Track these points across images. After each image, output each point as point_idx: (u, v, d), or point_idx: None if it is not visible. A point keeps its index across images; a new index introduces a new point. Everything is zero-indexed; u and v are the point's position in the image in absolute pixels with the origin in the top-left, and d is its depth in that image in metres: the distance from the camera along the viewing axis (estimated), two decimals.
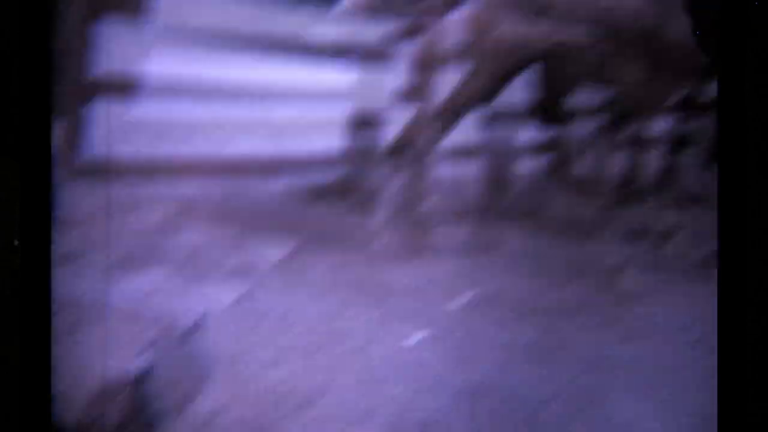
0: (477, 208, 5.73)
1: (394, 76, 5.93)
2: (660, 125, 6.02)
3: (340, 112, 6.37)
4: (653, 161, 6.18)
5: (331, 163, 6.39)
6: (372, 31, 5.94)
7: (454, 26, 4.77)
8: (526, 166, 5.94)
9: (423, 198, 5.11)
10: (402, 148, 6.08)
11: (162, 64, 4.77)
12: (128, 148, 4.79)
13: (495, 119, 5.99)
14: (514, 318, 4.42)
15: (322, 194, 6.29)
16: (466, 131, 5.55)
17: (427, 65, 5.81)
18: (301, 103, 6.28)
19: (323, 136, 6.51)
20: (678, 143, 6.96)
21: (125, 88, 4.74)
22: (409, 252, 5.21)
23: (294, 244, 5.26)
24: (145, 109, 4.79)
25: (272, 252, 4.97)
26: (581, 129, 7.05)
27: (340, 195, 6.34)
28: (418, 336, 4.11)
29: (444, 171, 5.51)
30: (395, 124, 6.06)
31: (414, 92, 6.01)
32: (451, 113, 4.74)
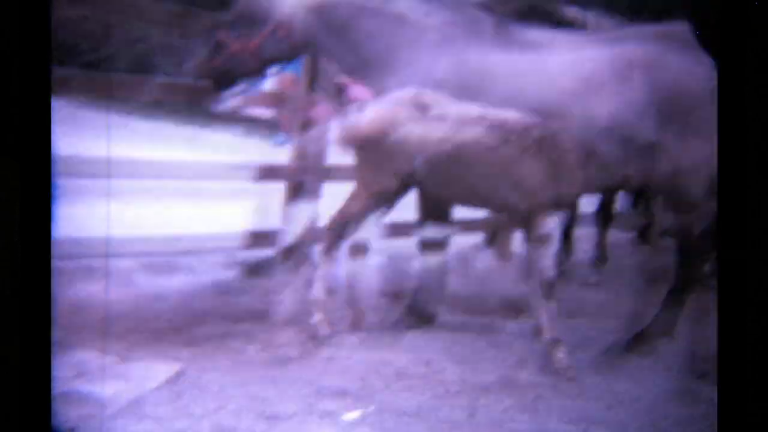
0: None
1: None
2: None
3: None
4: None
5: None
6: None
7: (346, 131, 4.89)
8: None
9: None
10: (297, 252, 6.23)
11: None
12: None
13: (392, 228, 6.11)
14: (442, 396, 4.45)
15: (259, 269, 6.33)
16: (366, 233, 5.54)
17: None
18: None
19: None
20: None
21: None
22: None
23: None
24: None
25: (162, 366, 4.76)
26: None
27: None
28: None
29: (342, 271, 5.46)
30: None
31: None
32: (341, 225, 4.88)
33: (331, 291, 5.27)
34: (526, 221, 4.90)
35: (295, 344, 4.90)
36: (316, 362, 4.68)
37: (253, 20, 5.22)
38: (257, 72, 5.42)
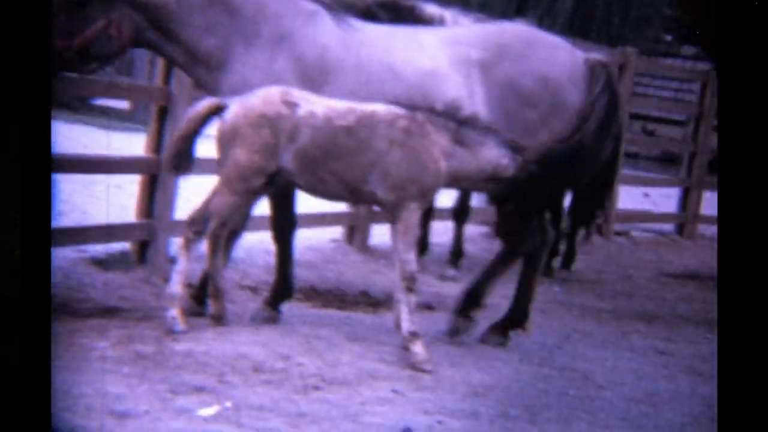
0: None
1: None
2: None
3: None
4: None
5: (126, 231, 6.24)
6: None
7: None
8: None
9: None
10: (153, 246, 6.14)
11: None
12: None
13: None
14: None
15: (113, 263, 6.20)
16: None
17: None
18: None
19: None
20: None
21: None
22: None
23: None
24: None
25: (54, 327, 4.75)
26: None
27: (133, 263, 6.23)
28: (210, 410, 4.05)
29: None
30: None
31: None
32: (202, 220, 4.90)
33: (188, 285, 5.18)
34: (392, 214, 4.95)
35: (150, 340, 4.78)
36: (171, 358, 4.59)
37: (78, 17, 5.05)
38: (81, 70, 5.26)
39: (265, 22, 5.20)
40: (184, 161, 5.04)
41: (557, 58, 5.48)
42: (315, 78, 5.18)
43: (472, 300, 5.59)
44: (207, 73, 5.23)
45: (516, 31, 5.64)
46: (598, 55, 5.80)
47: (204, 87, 5.41)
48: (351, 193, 5.03)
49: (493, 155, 4.97)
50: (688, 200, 12.22)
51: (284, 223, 5.45)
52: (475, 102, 5.27)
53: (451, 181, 5.06)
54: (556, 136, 5.32)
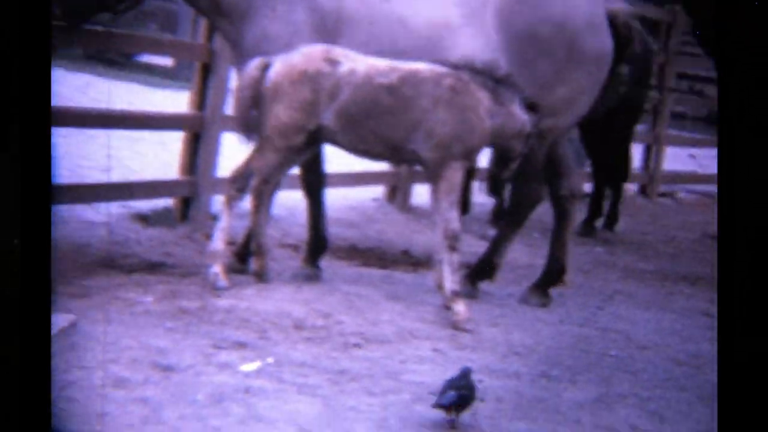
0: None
1: None
2: None
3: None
4: None
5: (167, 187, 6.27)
6: None
7: None
8: None
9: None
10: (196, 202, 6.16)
11: None
12: None
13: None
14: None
15: (156, 219, 6.23)
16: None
17: None
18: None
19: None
20: None
21: None
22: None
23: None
24: None
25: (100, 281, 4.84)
26: None
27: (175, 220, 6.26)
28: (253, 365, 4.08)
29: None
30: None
31: None
32: (244, 178, 4.90)
33: (230, 243, 5.21)
34: (435, 173, 4.92)
35: (193, 295, 4.83)
36: (214, 313, 4.63)
37: None
38: (116, 9, 5.30)
39: None
40: (253, 124, 5.04)
41: (575, 5, 5.38)
42: (331, 30, 5.20)
43: (484, 269, 5.60)
44: (230, 24, 5.28)
45: None
46: (618, 3, 5.68)
47: (227, 38, 5.44)
48: (393, 151, 5.00)
49: (520, 116, 4.92)
50: None
51: (313, 179, 5.46)
52: (492, 51, 5.21)
53: (493, 140, 5.02)
54: (574, 85, 5.26)
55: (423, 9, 5.27)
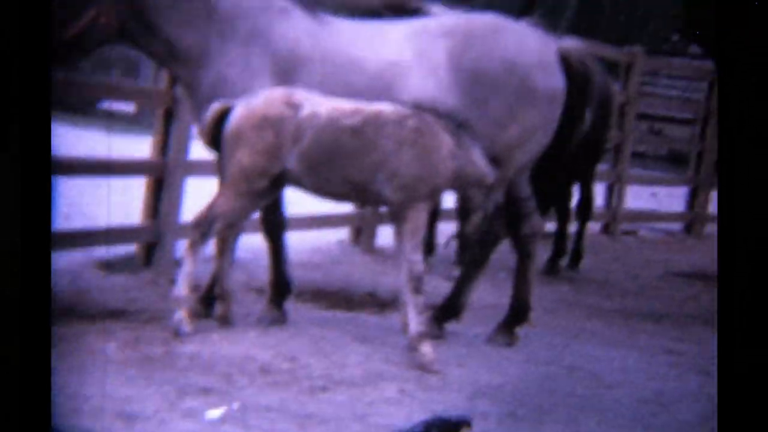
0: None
1: None
2: None
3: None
4: None
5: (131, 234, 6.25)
6: None
7: None
8: None
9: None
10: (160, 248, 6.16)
11: None
12: None
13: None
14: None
15: (120, 266, 6.22)
16: None
17: None
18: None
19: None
20: None
21: None
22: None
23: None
24: None
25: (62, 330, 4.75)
26: None
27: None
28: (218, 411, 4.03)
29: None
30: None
31: None
32: (208, 223, 4.90)
33: (194, 288, 5.18)
34: (400, 214, 4.94)
35: (157, 342, 4.78)
36: (178, 360, 4.58)
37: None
38: (69, 62, 5.30)
39: (241, 19, 5.26)
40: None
41: (526, 44, 5.46)
42: (287, 71, 5.23)
43: (449, 309, 5.63)
44: (185, 69, 5.27)
45: (484, 19, 5.64)
46: (572, 42, 5.76)
47: (183, 83, 5.44)
48: (357, 193, 5.02)
49: (481, 163, 4.97)
50: (695, 199, 12.19)
51: (274, 222, 5.46)
52: (443, 90, 5.27)
53: (453, 183, 5.05)
54: (527, 124, 5.33)
55: (376, 50, 5.33)
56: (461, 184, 5.06)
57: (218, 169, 5.41)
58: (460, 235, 5.58)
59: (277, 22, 5.30)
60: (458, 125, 4.96)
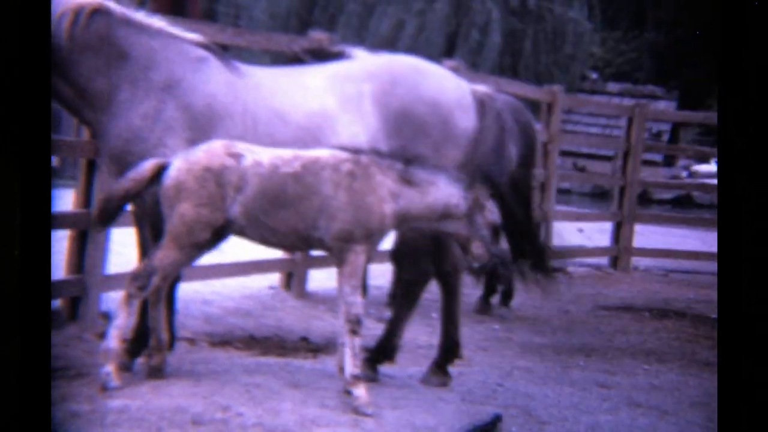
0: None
1: None
2: None
3: None
4: None
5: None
6: None
7: None
8: None
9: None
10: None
11: None
12: None
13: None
14: None
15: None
16: None
17: None
18: None
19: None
20: None
21: None
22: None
23: None
24: None
25: None
26: None
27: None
28: None
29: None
30: None
31: None
32: (146, 276, 4.86)
33: (124, 340, 5.07)
34: (338, 257, 4.92)
35: (83, 398, 4.66)
36: (105, 415, 4.47)
37: None
38: None
39: (154, 68, 5.11)
40: (115, 217, 4.99)
41: (445, 85, 5.56)
42: (203, 126, 5.12)
43: (383, 351, 5.62)
44: (94, 115, 5.12)
45: (406, 61, 5.71)
46: (482, 86, 5.89)
47: (92, 130, 5.32)
48: (302, 240, 4.99)
49: (442, 194, 4.96)
50: (620, 233, 12.42)
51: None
52: (371, 134, 5.31)
53: (401, 222, 5.04)
54: (451, 163, 5.38)
55: (298, 100, 5.29)
56: (415, 221, 5.03)
57: (134, 221, 5.35)
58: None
59: (192, 73, 5.16)
60: (407, 162, 4.97)
